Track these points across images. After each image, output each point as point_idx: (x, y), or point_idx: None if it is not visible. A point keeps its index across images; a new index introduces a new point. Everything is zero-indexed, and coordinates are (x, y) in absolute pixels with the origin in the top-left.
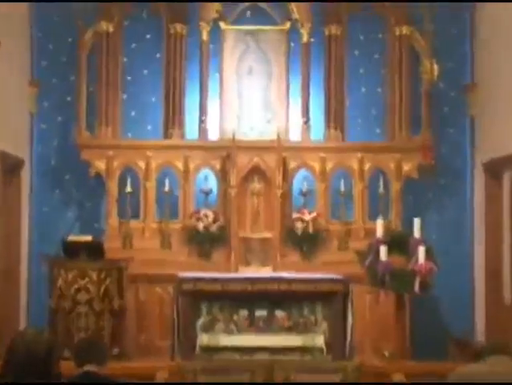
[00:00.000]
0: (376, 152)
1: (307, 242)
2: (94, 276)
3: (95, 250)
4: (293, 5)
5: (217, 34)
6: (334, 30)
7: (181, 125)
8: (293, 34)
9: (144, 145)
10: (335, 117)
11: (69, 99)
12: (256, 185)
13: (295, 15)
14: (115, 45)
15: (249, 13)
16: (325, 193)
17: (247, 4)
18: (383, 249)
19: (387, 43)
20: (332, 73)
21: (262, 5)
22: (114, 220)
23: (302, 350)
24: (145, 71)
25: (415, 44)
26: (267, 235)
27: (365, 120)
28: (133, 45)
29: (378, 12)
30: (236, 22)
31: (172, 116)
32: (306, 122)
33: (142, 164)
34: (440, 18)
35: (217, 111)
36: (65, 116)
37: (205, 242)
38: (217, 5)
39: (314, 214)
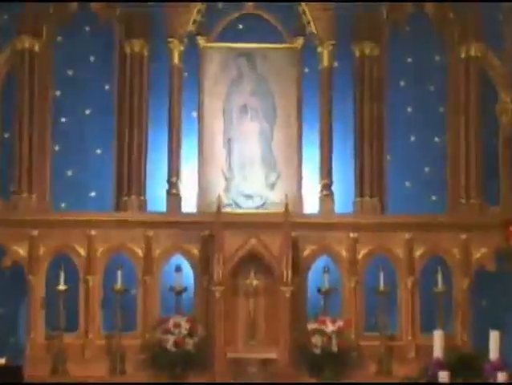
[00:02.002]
0: (432, 231)
1: (330, 365)
2: None
3: (10, 378)
4: (307, 12)
5: (194, 56)
6: (369, 49)
7: (141, 191)
8: (308, 55)
9: (86, 221)
10: (370, 179)
11: None
12: (253, 281)
13: (312, 28)
14: (44, 71)
15: (242, 25)
16: (356, 292)
17: (240, 11)
18: (444, 376)
19: (447, 69)
20: (366, 113)
21: (262, 13)
22: (39, 333)
23: None
24: (87, 111)
25: (489, 70)
26: (270, 355)
27: (415, 183)
28: (70, 71)
29: (434, 23)
30: (223, 37)
31: (128, 178)
32: (329, 186)
33: (82, 249)
34: None
35: (195, 171)
36: None
37: (175, 365)
38: (194, 13)
39: (339, 323)
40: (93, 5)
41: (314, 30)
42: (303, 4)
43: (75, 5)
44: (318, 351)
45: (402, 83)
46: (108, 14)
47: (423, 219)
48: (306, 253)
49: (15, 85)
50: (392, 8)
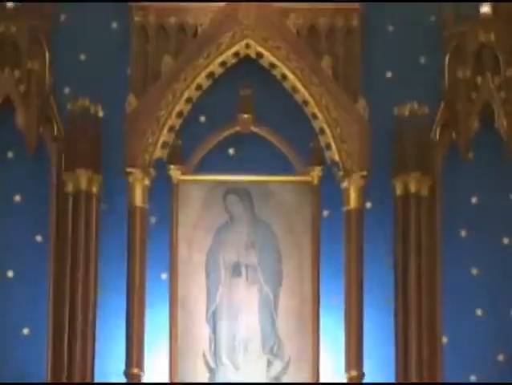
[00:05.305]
0: None
1: None
2: None
3: None
4: (327, 130)
5: (165, 193)
6: (415, 184)
7: None
8: (328, 191)
9: None
10: (419, 369)
11: None
12: None
13: (333, 153)
14: None
15: (233, 149)
16: None
17: (232, 129)
18: None
19: None
20: (411, 275)
21: (263, 131)
22: None
23: None
24: (10, 273)
25: None
26: None
27: (485, 377)
28: None
29: (510, 146)
30: (206, 166)
31: (69, 369)
32: (358, 379)
33: None
34: None
35: (165, 357)
36: None
37: None
38: (165, 132)
39: None
40: (20, 119)
41: (336, 157)
42: (320, 117)
43: None
44: None
45: (463, 233)
46: (40, 134)
47: None
48: None
49: None
50: (448, 121)
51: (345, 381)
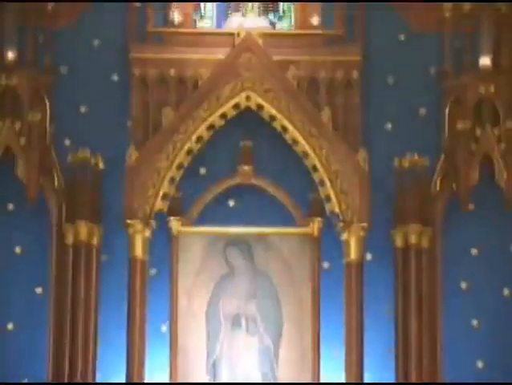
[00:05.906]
0: None
1: None
2: None
3: None
4: (327, 182)
5: (165, 245)
6: (415, 236)
7: None
8: (328, 243)
9: None
10: None
11: None
12: None
13: (333, 206)
14: None
15: (233, 200)
16: None
17: (231, 181)
18: None
19: None
20: (413, 329)
21: (263, 183)
22: None
23: None
24: (10, 325)
25: None
26: None
27: None
28: None
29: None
30: (206, 218)
31: None
32: None
33: None
34: None
35: None
36: None
37: None
38: (165, 184)
39: None
40: (20, 171)
41: (336, 209)
42: (320, 169)
43: None
44: None
45: (464, 285)
46: (40, 185)
47: None
48: None
49: None
50: (448, 173)
51: None
